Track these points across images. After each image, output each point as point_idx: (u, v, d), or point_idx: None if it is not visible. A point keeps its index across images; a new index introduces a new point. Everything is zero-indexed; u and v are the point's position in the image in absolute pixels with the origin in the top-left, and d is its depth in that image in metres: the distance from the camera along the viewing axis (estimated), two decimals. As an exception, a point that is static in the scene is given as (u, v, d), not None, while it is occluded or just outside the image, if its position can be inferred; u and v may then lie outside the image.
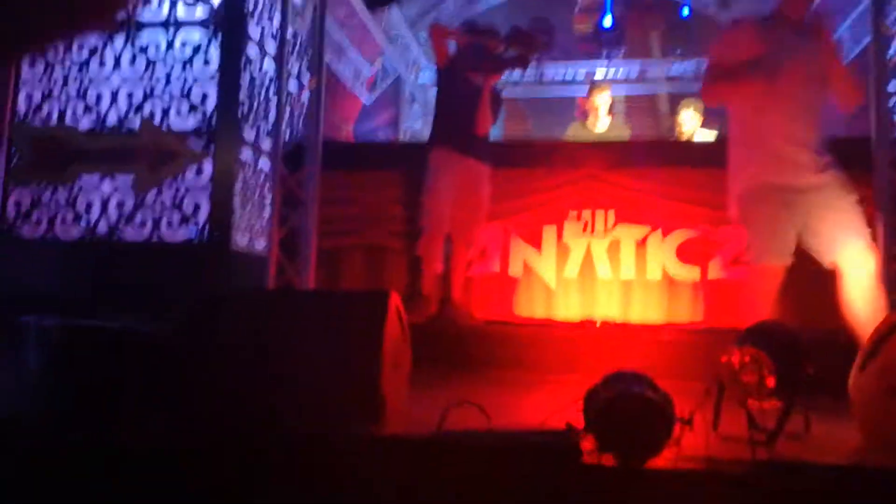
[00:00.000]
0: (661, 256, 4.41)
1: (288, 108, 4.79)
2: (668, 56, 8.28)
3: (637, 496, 1.59)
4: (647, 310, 4.39)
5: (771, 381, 1.85)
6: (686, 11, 7.40)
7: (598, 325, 4.24)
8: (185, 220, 4.30)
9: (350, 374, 1.95)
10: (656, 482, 1.58)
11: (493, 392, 2.82)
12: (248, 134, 4.55)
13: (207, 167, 4.32)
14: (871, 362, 1.97)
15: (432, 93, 7.95)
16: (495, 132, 4.90)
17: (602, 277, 4.47)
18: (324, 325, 2.01)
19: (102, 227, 4.39)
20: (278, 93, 4.63)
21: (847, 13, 6.15)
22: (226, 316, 2.06)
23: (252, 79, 4.49)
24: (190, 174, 4.35)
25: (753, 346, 1.90)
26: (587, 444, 1.63)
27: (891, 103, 4.18)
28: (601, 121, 5.28)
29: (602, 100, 5.25)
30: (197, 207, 4.33)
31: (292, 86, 4.88)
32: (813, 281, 4.06)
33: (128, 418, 1.89)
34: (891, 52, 4.25)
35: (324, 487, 1.74)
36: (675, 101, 8.67)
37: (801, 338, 2.02)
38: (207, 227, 4.29)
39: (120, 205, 4.42)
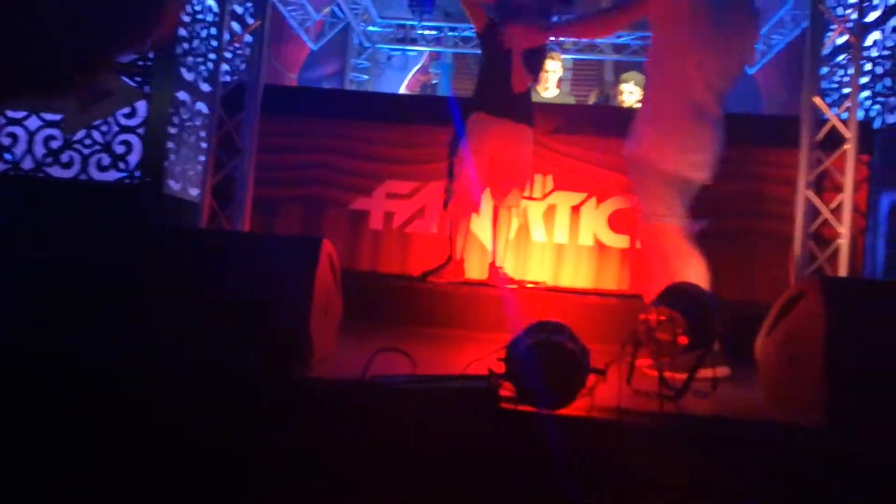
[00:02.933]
0: (594, 223, 4.53)
1: (230, 50, 4.65)
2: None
3: (551, 442, 1.67)
4: (577, 275, 4.51)
5: (683, 340, 1.94)
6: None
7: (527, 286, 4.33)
8: (115, 161, 4.16)
9: (279, 316, 1.96)
10: (569, 429, 1.66)
11: (421, 346, 2.87)
12: (187, 74, 4.41)
13: (141, 107, 4.17)
14: (776, 329, 2.09)
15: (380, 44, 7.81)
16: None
17: (536, 241, 4.56)
18: (254, 267, 2.00)
19: (28, 163, 4.21)
20: (219, 32, 4.49)
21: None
22: (170, 252, 2.03)
23: (192, 15, 4.33)
24: (122, 113, 4.19)
25: (668, 306, 1.99)
26: (506, 390, 1.69)
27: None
28: (550, 88, 5.32)
29: (553, 66, 5.28)
30: (129, 149, 4.19)
31: (236, 26, 4.73)
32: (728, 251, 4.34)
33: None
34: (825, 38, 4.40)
35: (246, 426, 1.75)
36: (620, 71, 8.83)
37: (713, 299, 2.12)
38: (139, 170, 4.16)
39: (46, 140, 4.23)
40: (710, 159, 2.76)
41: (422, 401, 1.65)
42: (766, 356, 2.12)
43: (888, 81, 4.58)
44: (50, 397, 1.84)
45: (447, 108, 4.41)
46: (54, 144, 4.19)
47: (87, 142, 4.16)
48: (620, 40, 8.36)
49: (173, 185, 4.39)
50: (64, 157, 4.20)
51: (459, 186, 4.05)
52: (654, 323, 1.98)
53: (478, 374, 1.74)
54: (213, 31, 4.57)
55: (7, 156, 4.18)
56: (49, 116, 4.21)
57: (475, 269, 4.49)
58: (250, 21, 4.73)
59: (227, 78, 4.63)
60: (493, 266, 4.16)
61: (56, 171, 4.19)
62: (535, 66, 4.13)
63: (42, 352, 1.88)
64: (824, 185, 4.27)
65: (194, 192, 4.58)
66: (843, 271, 3.94)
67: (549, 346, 1.58)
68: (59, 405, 1.83)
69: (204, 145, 4.60)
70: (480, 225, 4.52)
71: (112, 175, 4.17)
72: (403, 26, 8.39)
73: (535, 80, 4.27)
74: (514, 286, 4.10)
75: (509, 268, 4.37)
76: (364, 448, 1.65)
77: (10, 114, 4.18)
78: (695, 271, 2.61)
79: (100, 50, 1.38)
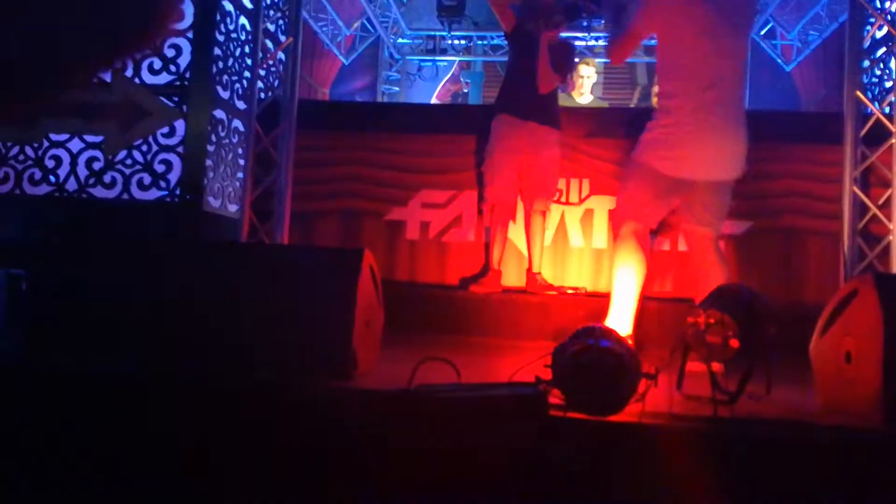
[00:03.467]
0: (634, 227, 4.46)
1: (264, 67, 4.71)
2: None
3: (602, 449, 1.63)
4: (617, 279, 4.44)
5: (735, 343, 1.90)
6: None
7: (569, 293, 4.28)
8: (156, 179, 4.23)
9: (323, 329, 1.96)
10: (621, 436, 1.62)
11: (463, 355, 2.85)
12: (223, 93, 4.48)
13: (180, 126, 4.24)
14: (831, 328, 2.03)
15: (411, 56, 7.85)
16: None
17: (575, 246, 4.51)
18: (299, 280, 2.01)
19: (71, 184, 4.30)
20: (253, 50, 4.55)
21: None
22: (201, 264, 2.06)
23: (227, 34, 4.40)
24: (161, 132, 4.27)
25: (718, 308, 1.94)
26: (554, 397, 1.66)
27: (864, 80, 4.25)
28: (585, 94, 5.28)
29: (587, 72, 5.25)
30: (168, 167, 4.26)
31: (269, 44, 4.79)
32: (775, 251, 4.25)
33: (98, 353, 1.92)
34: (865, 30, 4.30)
35: (292, 439, 1.75)
36: (652, 72, 8.73)
37: (764, 301, 2.07)
38: (179, 188, 4.23)
39: (89, 161, 4.32)
40: (731, 157, 2.78)
41: (469, 409, 1.63)
42: (820, 356, 2.06)
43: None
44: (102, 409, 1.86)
45: (476, 116, 4.42)
46: (97, 165, 4.28)
47: (129, 161, 4.24)
48: (652, 42, 8.28)
49: (213, 202, 4.45)
50: (106, 178, 4.29)
51: (492, 192, 4.02)
52: (703, 326, 1.93)
53: (524, 382, 1.72)
54: (248, 48, 4.63)
55: (51, 178, 4.29)
56: (91, 138, 4.31)
57: (513, 277, 4.46)
58: (282, 38, 4.79)
59: (262, 95, 4.68)
60: (530, 272, 4.12)
61: (99, 192, 4.28)
62: (562, 66, 4.07)
63: (84, 369, 1.91)
64: (870, 180, 4.16)
65: (233, 208, 4.64)
66: (894, 268, 3.81)
67: (597, 351, 1.55)
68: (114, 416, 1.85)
69: (242, 162, 4.67)
70: (516, 232, 4.49)
71: (153, 193, 4.24)
72: (433, 37, 8.44)
73: (563, 81, 4.22)
74: (554, 292, 4.05)
75: (547, 274, 4.33)
76: (413, 457, 1.64)
77: (53, 137, 4.28)
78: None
79: (97, 54, 1.39)
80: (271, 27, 4.77)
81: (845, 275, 3.92)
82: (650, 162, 2.82)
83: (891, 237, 3.89)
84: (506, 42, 4.63)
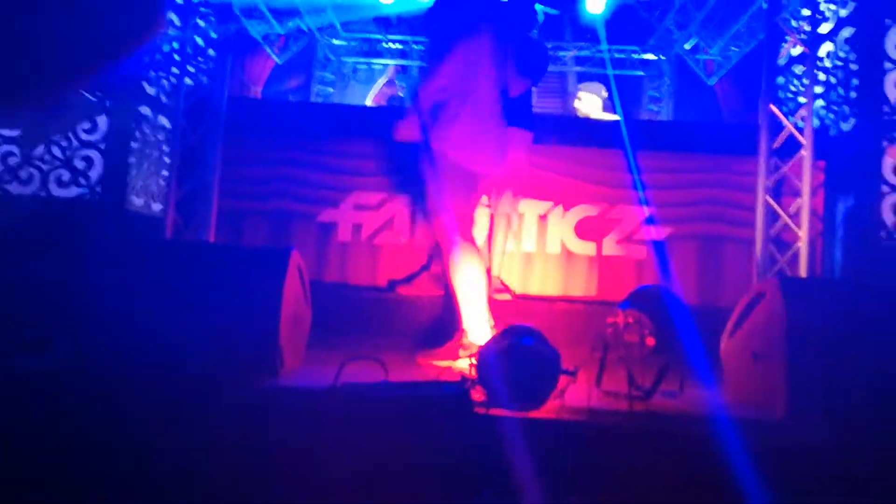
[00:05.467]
0: (561, 231, 4.58)
1: (194, 64, 4.61)
2: (579, 39, 8.51)
3: (523, 444, 1.68)
4: (545, 282, 4.55)
5: (651, 341, 1.98)
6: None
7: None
8: (76, 176, 4.08)
9: (249, 327, 1.94)
10: (541, 431, 1.67)
11: (391, 354, 2.87)
12: (148, 88, 4.36)
13: (102, 122, 4.11)
14: (739, 329, 2.15)
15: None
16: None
17: (505, 250, 4.58)
18: (226, 278, 1.99)
19: (-15, 179, 4.11)
20: (182, 47, 4.45)
21: (746, 7, 6.50)
22: (130, 261, 2.01)
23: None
24: (82, 128, 4.13)
25: (636, 308, 2.03)
26: (478, 394, 1.70)
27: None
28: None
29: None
30: (90, 164, 4.12)
31: (199, 40, 4.69)
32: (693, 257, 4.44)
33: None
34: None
35: (217, 433, 1.73)
36: (583, 81, 8.96)
37: (679, 300, 2.16)
38: (100, 186, 4.10)
39: (4, 157, 4.14)
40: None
41: (396, 407, 1.65)
42: (730, 356, 2.17)
43: (842, 90, 4.74)
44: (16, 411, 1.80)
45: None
46: (12, 161, 4.10)
47: (47, 157, 4.08)
48: (583, 53, 8.50)
49: (136, 201, 4.32)
50: (23, 174, 4.12)
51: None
52: (622, 325, 2.01)
53: (450, 381, 1.75)
54: (176, 45, 4.52)
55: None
56: (6, 132, 4.12)
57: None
58: (213, 34, 4.70)
59: (191, 91, 4.58)
60: (488, 273, 4.15)
61: (15, 188, 4.10)
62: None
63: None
64: (783, 190, 4.38)
65: (157, 207, 4.52)
66: (802, 273, 4.03)
67: (520, 350, 1.60)
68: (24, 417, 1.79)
69: (167, 160, 4.55)
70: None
71: (73, 191, 4.09)
72: (369, 40, 8.42)
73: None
74: (507, 295, 4.10)
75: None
76: (337, 456, 1.64)
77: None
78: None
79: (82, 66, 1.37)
80: (201, 23, 4.68)
81: (757, 279, 4.12)
82: None
83: (800, 244, 4.10)
84: None
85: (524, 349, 1.60)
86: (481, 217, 4.17)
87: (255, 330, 1.95)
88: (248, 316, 1.96)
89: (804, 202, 4.15)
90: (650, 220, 4.45)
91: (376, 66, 8.67)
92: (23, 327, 1.99)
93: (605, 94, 5.66)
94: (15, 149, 4.10)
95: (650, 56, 8.45)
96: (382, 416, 1.69)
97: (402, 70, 8.83)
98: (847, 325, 1.88)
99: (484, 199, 4.03)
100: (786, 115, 4.40)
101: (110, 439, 1.76)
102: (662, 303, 2.13)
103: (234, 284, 2.00)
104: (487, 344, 1.70)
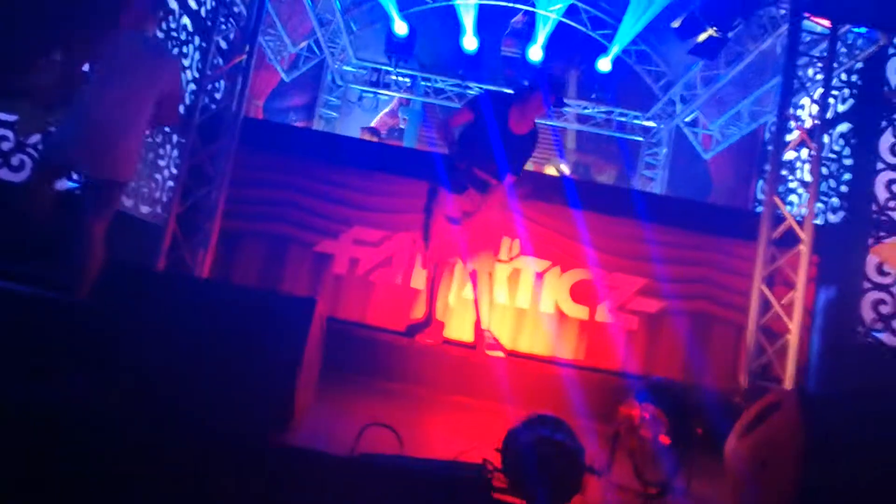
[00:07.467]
0: (556, 292, 4.59)
1: (210, 79, 4.58)
2: (583, 97, 8.64)
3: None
4: (535, 340, 4.55)
5: (666, 440, 1.98)
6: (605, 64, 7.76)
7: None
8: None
9: (267, 379, 1.90)
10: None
11: (391, 406, 2.84)
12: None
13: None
14: (749, 434, 2.15)
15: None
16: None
17: (498, 302, 4.59)
18: (247, 324, 1.95)
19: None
20: (202, 65, 4.42)
21: (750, 90, 6.67)
22: (150, 292, 1.96)
23: (166, 33, 4.25)
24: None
25: (654, 403, 2.03)
26: (498, 480, 1.68)
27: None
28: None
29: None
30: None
31: (213, 49, 4.64)
32: (681, 333, 4.48)
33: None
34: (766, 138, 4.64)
35: (227, 488, 1.68)
36: (583, 140, 9.09)
37: (694, 398, 2.17)
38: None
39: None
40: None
41: (416, 486, 1.62)
42: (737, 458, 2.17)
43: (833, 182, 4.87)
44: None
45: (426, 162, 4.42)
46: (5, 146, 3.99)
47: (41, 146, 3.99)
48: (586, 112, 8.64)
49: (125, 201, 4.23)
50: (14, 160, 4.01)
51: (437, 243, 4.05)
52: (638, 419, 2.01)
53: (470, 462, 1.73)
54: (197, 55, 4.49)
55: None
56: (3, 116, 4.02)
57: (466, 330, 4.45)
58: (230, 52, 4.68)
59: (207, 106, 4.54)
60: (478, 328, 4.15)
61: (4, 174, 3.99)
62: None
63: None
64: (776, 279, 4.46)
65: (145, 209, 4.43)
66: (790, 366, 4.09)
67: (552, 445, 1.58)
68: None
69: (163, 164, 4.49)
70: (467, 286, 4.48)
71: (63, 183, 3.99)
72: (378, 70, 8.47)
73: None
74: (500, 352, 4.07)
75: (468, 325, 4.36)
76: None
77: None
78: None
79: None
80: (223, 43, 4.66)
81: (746, 367, 4.16)
82: None
83: (790, 336, 4.16)
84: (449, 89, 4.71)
85: (556, 444, 1.59)
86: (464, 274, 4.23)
87: (272, 381, 1.91)
88: (266, 369, 1.92)
89: (798, 295, 4.22)
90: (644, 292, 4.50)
91: (382, 97, 8.71)
92: (27, 353, 1.91)
93: (566, 170, 5.76)
94: (9, 134, 4.00)
95: (651, 123, 8.61)
96: (399, 493, 1.66)
97: (406, 103, 8.88)
98: (864, 448, 1.91)
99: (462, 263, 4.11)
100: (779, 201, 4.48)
101: (102, 480, 1.70)
102: (677, 398, 2.13)
103: (254, 333, 1.96)
104: (514, 431, 1.68)
